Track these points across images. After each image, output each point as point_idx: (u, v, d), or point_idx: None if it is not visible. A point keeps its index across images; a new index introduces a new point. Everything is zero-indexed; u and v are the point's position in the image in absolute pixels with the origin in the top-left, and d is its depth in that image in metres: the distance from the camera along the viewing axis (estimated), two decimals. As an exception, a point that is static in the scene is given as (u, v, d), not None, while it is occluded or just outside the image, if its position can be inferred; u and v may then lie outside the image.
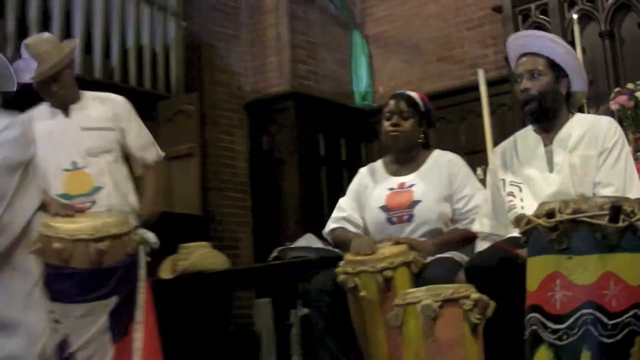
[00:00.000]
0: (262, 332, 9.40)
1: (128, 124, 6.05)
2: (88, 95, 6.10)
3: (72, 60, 6.06)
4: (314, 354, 6.36)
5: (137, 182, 6.17)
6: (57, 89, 5.87)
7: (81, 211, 5.60)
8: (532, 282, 3.77)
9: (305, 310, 7.63)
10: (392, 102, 5.72)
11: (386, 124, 5.71)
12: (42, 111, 6.02)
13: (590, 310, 3.50)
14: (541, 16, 9.57)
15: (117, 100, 6.19)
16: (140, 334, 5.30)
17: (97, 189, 5.72)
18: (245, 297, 9.60)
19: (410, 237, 5.45)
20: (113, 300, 5.18)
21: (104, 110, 5.99)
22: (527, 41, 5.13)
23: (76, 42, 6.69)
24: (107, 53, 9.79)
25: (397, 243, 5.29)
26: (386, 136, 5.77)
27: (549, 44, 5.04)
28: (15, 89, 4.21)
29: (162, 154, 6.35)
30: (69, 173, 5.77)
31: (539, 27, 9.15)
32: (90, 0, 9.77)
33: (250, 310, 9.74)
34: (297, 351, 8.37)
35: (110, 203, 5.72)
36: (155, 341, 5.43)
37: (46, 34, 6.36)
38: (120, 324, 5.22)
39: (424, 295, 4.27)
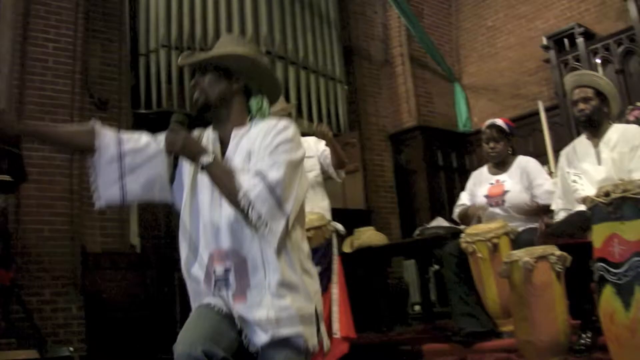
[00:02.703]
0: (409, 283, 9.32)
1: (322, 148, 5.99)
2: None
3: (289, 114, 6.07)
4: (444, 297, 6.29)
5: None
6: None
7: None
8: (597, 241, 3.67)
9: (437, 267, 7.56)
10: (487, 131, 5.82)
11: (486, 147, 5.83)
12: None
13: (639, 258, 3.40)
14: (576, 63, 9.38)
15: (311, 139, 6.13)
16: (336, 290, 5.35)
17: None
18: (397, 260, 9.51)
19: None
20: (318, 269, 5.19)
21: (308, 145, 5.98)
22: (579, 78, 5.05)
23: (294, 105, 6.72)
24: (299, 110, 9.87)
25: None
26: (487, 154, 5.86)
27: (594, 78, 4.97)
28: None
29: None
30: None
31: (575, 70, 8.96)
32: (287, 76, 9.85)
33: (400, 269, 9.66)
34: (433, 295, 8.27)
35: (312, 207, 5.68)
36: (345, 293, 5.45)
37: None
38: (323, 284, 5.24)
39: (524, 255, 4.22)
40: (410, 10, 10.56)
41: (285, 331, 2.71)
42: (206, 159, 2.74)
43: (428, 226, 7.04)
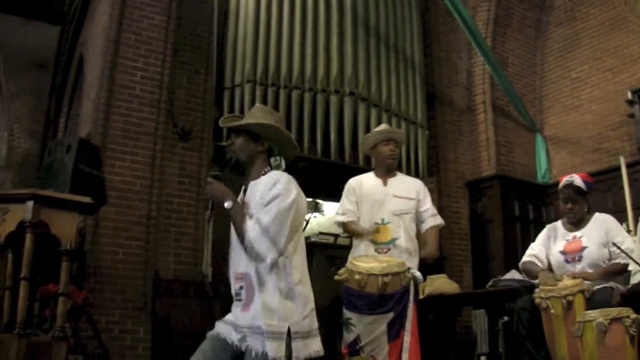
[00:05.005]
0: (478, 332, 9.23)
1: (423, 197, 6.01)
2: (399, 174, 6.13)
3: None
4: (513, 350, 6.24)
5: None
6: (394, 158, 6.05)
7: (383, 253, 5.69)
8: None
9: (507, 319, 7.47)
10: (565, 191, 5.78)
11: (563, 206, 5.80)
12: (369, 177, 6.06)
13: None
14: (660, 117, 9.23)
15: (419, 182, 6.18)
16: (408, 337, 5.28)
17: (393, 240, 5.71)
18: (466, 309, 9.43)
19: (582, 271, 5.33)
20: (390, 315, 5.22)
21: (409, 187, 5.99)
22: None
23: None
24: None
25: (574, 277, 5.23)
26: (565, 214, 5.82)
27: None
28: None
29: (441, 222, 6.14)
30: (378, 226, 5.77)
31: (660, 124, 8.87)
32: (369, 118, 9.92)
33: (469, 318, 9.58)
34: (501, 346, 8.17)
35: (400, 251, 5.69)
36: (417, 341, 5.39)
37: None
38: (394, 330, 5.23)
39: (598, 315, 4.19)
40: (495, 58, 10.56)
41: (263, 339, 3.48)
42: (228, 204, 3.67)
43: (502, 278, 6.99)
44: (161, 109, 8.20)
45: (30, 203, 4.96)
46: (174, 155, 8.32)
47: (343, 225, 5.94)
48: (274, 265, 3.57)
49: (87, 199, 5.34)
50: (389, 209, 5.80)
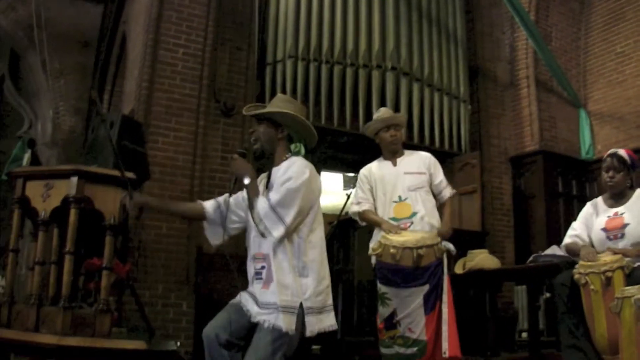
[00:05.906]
0: (519, 308, 9.22)
1: (434, 171, 6.06)
2: (407, 152, 6.18)
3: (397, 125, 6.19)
4: (553, 326, 6.21)
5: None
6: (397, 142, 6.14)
7: (405, 229, 5.69)
8: None
9: (548, 295, 7.45)
10: (608, 160, 5.66)
11: (605, 176, 5.68)
12: (378, 162, 6.19)
13: None
14: None
15: (427, 155, 6.22)
16: (446, 309, 5.36)
17: (414, 214, 5.77)
18: (508, 285, 9.41)
19: (623, 248, 5.27)
20: (426, 287, 5.34)
21: (418, 162, 6.03)
22: None
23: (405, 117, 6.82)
24: (421, 126, 9.90)
25: (614, 253, 5.17)
26: (605, 183, 5.70)
27: None
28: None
29: (454, 191, 6.32)
30: (396, 204, 5.85)
31: None
32: (411, 93, 9.88)
33: (511, 294, 9.57)
34: (542, 323, 8.15)
35: (422, 224, 5.76)
36: (453, 313, 5.45)
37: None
38: (430, 303, 5.30)
39: (637, 292, 4.14)
40: (539, 33, 10.44)
41: (277, 313, 3.79)
42: (246, 180, 4.02)
43: (542, 254, 6.95)
44: (203, 85, 8.29)
45: (75, 179, 5.03)
46: (217, 131, 8.40)
47: (359, 214, 6.03)
48: (288, 244, 3.94)
49: (130, 175, 5.41)
50: (404, 185, 5.94)
